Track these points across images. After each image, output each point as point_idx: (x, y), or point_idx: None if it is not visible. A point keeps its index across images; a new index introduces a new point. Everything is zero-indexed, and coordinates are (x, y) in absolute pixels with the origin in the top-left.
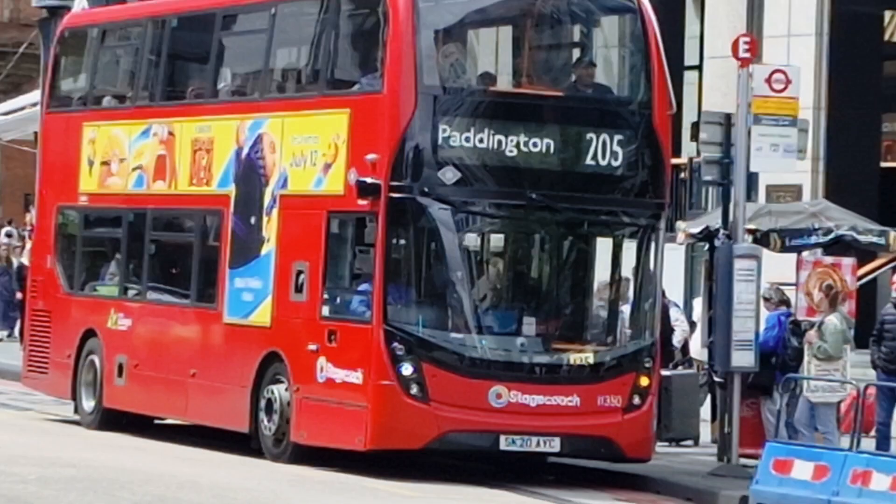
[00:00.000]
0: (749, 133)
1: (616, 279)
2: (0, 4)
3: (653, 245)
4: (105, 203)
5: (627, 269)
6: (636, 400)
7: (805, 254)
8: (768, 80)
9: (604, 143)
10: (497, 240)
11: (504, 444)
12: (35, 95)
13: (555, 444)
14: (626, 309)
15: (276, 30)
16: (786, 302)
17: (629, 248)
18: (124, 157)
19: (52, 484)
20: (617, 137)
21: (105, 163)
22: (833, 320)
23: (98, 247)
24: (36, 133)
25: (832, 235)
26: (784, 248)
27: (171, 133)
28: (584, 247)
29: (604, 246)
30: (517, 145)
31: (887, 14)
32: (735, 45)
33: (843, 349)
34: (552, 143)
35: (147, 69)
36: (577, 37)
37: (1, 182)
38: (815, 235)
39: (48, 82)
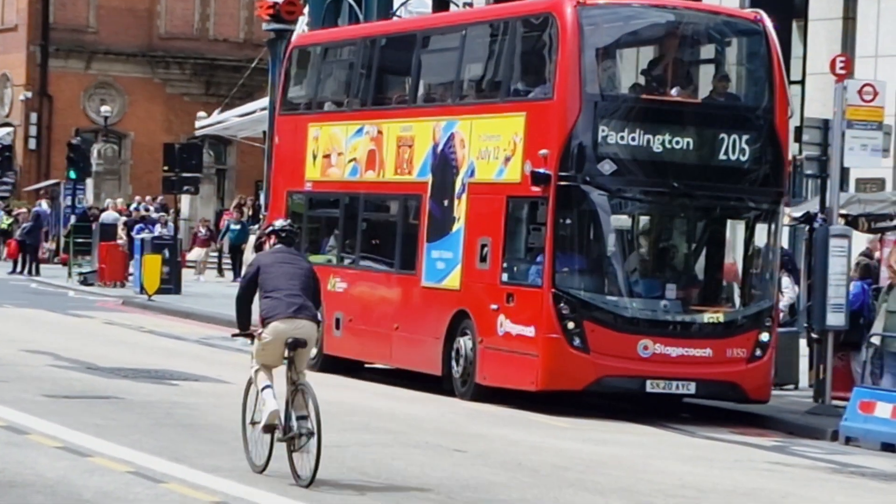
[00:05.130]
0: (843, 136)
1: (742, 253)
2: (236, 28)
3: (773, 226)
4: (326, 189)
5: (752, 245)
6: (758, 352)
7: (888, 234)
8: (859, 93)
9: (734, 142)
10: (645, 221)
11: (649, 387)
12: (263, 101)
13: (691, 388)
14: (750, 277)
15: (466, 47)
16: (869, 273)
17: (753, 228)
18: (341, 151)
19: None
20: (744, 137)
21: (326, 156)
22: None
23: (319, 224)
24: (264, 132)
25: None
26: (870, 230)
27: (379, 132)
28: (717, 227)
29: (733, 226)
30: (662, 143)
31: None
32: (832, 63)
33: None
34: (691, 141)
35: (360, 79)
36: (712, 54)
37: (237, 171)
38: (895, 220)
39: (280, 90)
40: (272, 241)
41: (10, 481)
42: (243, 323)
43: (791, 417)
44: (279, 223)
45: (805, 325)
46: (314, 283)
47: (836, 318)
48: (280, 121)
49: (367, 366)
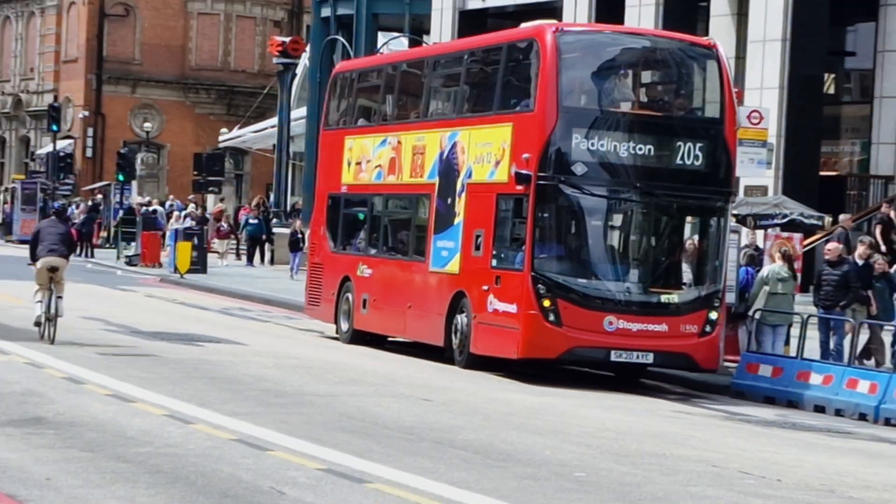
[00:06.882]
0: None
1: (696, 244)
2: (252, 61)
3: (722, 220)
4: (357, 191)
5: (704, 237)
6: (707, 328)
7: (769, 230)
8: (748, 117)
9: (689, 149)
10: (612, 215)
11: (613, 356)
12: (273, 120)
13: (649, 358)
14: (702, 264)
15: (466, 69)
16: (754, 262)
17: (706, 222)
18: (370, 159)
19: (283, 369)
20: (699, 145)
21: (357, 163)
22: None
23: (352, 220)
24: (274, 145)
25: (787, 219)
26: (756, 227)
27: (399, 142)
28: (674, 221)
29: (688, 220)
30: (628, 150)
31: (826, 75)
32: None
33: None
34: (652, 148)
35: (385, 99)
36: (674, 75)
37: (252, 176)
38: (776, 219)
39: (324, 110)
40: (51, 214)
41: (69, 421)
42: (33, 258)
43: (693, 376)
44: (57, 204)
45: None
46: (69, 239)
47: (728, 297)
48: (323, 135)
49: (389, 339)
